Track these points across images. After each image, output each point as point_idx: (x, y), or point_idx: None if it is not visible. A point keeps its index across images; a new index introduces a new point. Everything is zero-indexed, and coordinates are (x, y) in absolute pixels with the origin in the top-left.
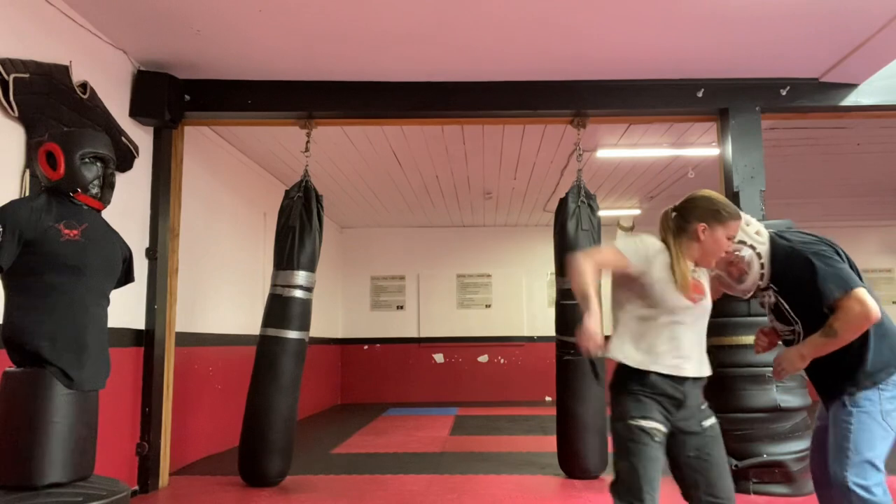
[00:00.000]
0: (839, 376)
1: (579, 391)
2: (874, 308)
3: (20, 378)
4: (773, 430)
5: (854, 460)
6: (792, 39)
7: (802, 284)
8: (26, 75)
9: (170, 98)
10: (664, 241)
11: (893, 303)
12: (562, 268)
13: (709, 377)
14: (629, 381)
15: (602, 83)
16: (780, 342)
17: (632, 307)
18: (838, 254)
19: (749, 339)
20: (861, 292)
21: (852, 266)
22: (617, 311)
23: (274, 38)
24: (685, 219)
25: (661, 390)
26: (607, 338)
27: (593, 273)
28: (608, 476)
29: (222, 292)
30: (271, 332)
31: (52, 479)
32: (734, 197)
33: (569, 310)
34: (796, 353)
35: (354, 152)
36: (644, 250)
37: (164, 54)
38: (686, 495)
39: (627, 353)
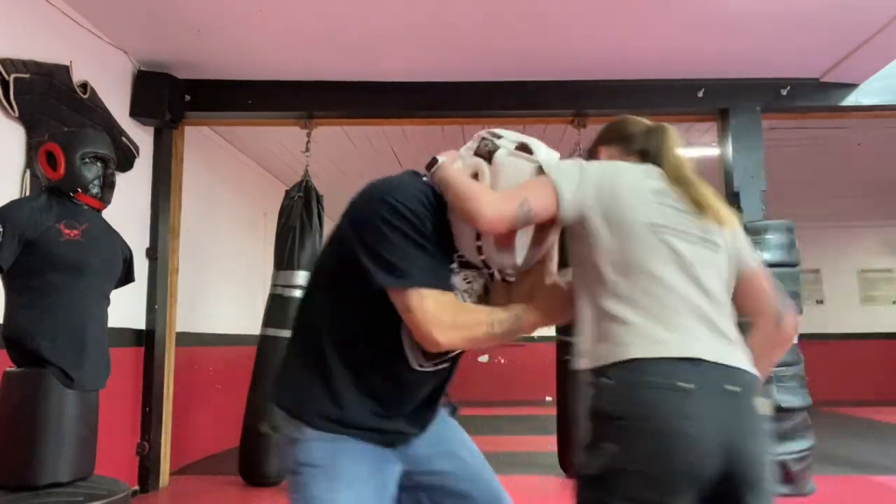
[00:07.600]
0: None
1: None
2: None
3: (20, 378)
4: (773, 430)
5: None
6: (792, 39)
7: None
8: (26, 75)
9: (170, 98)
10: None
11: (893, 303)
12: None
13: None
14: None
15: (602, 83)
16: None
17: None
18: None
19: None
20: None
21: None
22: None
23: (274, 37)
24: None
25: None
26: None
27: None
28: None
29: (222, 292)
30: (272, 332)
31: (52, 478)
32: (734, 197)
33: None
34: None
35: (354, 152)
36: None
37: (164, 54)
38: None
39: None
